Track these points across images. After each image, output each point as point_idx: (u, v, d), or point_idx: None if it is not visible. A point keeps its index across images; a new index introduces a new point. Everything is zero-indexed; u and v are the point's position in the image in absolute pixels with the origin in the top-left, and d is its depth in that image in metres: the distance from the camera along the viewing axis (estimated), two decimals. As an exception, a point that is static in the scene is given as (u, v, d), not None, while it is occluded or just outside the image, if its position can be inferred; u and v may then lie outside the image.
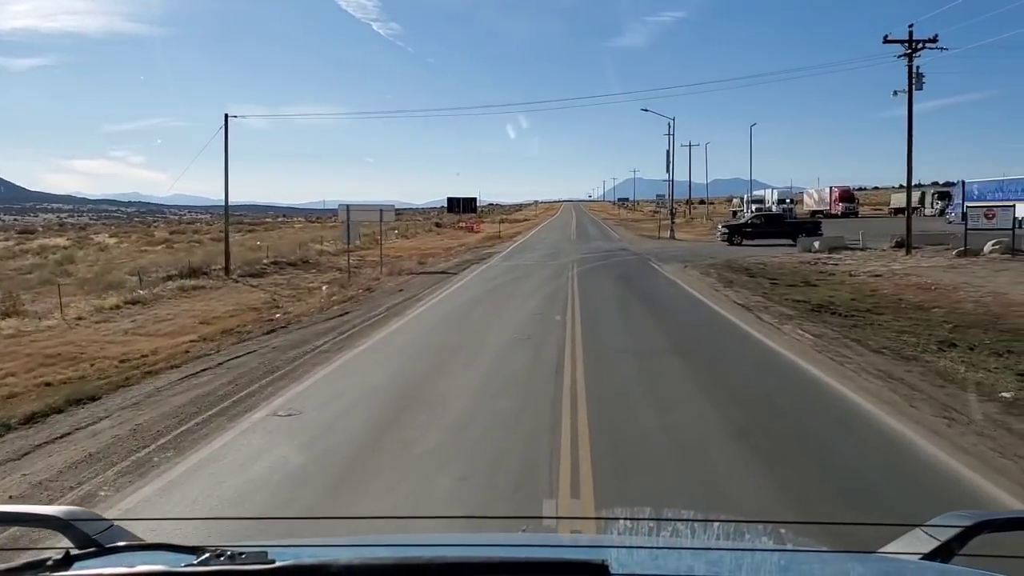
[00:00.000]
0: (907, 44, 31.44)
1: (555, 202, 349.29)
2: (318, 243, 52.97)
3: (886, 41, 31.72)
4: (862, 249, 35.10)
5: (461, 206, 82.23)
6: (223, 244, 67.22)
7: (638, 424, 8.04)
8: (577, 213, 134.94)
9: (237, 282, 34.64)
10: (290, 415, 8.90)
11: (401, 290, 23.38)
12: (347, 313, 18.53)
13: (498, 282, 24.78)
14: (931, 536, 1.72)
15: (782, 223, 43.89)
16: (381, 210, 31.39)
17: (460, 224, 79.87)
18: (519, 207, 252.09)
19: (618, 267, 29.81)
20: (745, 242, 42.16)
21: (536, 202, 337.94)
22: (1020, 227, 29.47)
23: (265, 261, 41.01)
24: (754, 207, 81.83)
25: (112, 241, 72.73)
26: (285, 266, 40.60)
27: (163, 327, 20.90)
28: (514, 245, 48.97)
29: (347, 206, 31.32)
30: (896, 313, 17.64)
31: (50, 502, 6.29)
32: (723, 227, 45.28)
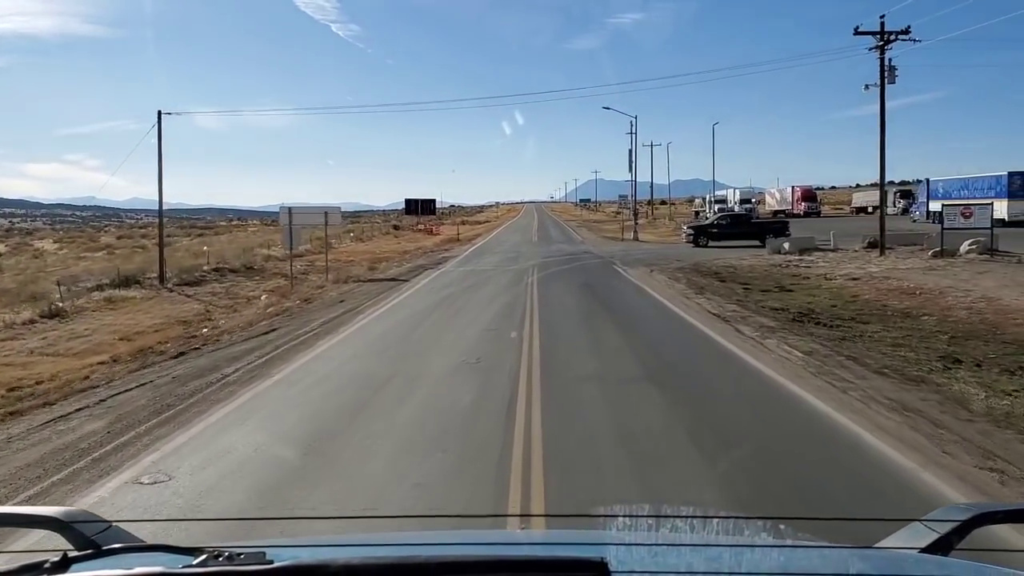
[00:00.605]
0: (879, 36, 30.15)
1: (517, 203, 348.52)
2: (266, 248, 50.28)
3: (857, 32, 30.40)
4: (833, 250, 33.79)
5: (419, 208, 79.82)
6: (164, 250, 64.09)
7: (611, 497, 6.07)
8: (539, 215, 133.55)
9: (172, 291, 32.23)
10: (155, 482, 6.79)
11: (343, 300, 21.19)
12: (274, 330, 16.33)
13: (451, 291, 22.73)
14: (930, 529, 1.69)
15: (749, 223, 42.51)
16: (326, 212, 29.07)
17: (419, 226, 77.60)
18: (481, 209, 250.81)
19: (581, 272, 27.97)
20: (711, 243, 40.72)
21: (497, 203, 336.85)
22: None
23: (205, 268, 38.42)
24: (717, 207, 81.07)
25: (53, 247, 69.19)
26: (227, 273, 38.10)
27: (76, 345, 18.58)
28: (472, 248, 46.92)
29: (289, 208, 29.00)
30: (884, 322, 16.08)
31: None
32: (688, 228, 43.73)
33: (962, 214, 28.68)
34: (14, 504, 5.86)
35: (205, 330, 20.22)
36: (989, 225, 28.16)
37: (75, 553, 1.51)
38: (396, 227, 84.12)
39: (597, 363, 11.51)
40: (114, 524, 1.77)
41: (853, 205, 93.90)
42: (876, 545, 1.80)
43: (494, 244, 50.82)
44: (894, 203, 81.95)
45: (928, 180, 59.96)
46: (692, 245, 41.01)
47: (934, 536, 1.66)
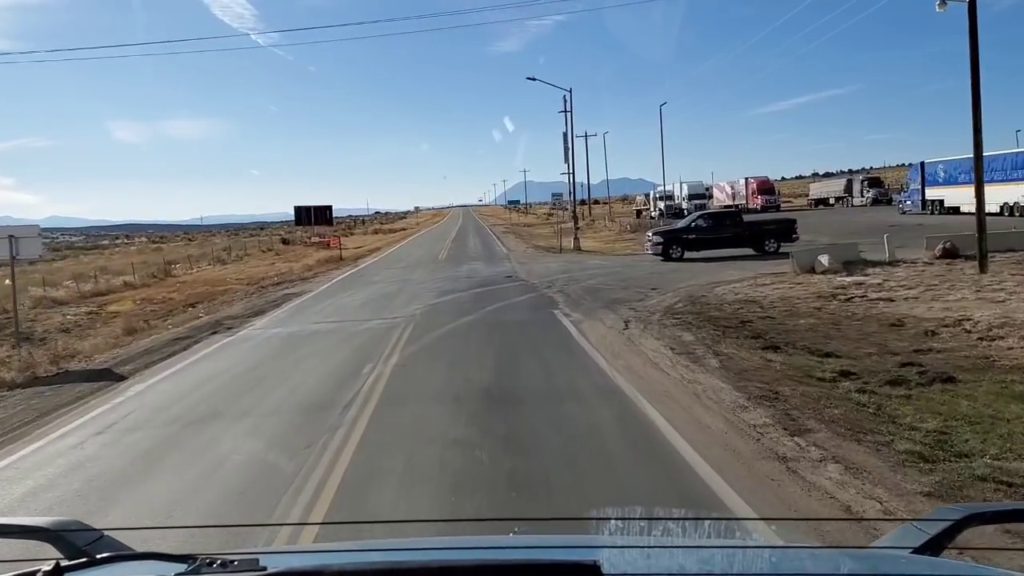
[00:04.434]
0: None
1: (444, 208, 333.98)
2: (76, 280, 35.52)
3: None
4: (890, 263, 21.72)
5: (312, 217, 65.68)
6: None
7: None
8: (464, 220, 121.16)
9: None
10: None
11: None
12: None
13: (167, 433, 9.38)
14: (921, 530, 1.66)
15: (737, 224, 29.98)
16: (11, 237, 15.42)
17: (312, 239, 63.49)
18: (403, 215, 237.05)
19: (495, 331, 15.02)
20: (687, 254, 28.51)
21: (417, 208, 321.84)
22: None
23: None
24: (662, 205, 69.71)
25: None
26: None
27: None
28: (350, 272, 33.42)
29: (-55, 232, 15.28)
30: None
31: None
32: (655, 235, 30.68)
33: None
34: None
35: None
36: None
37: (67, 562, 1.46)
38: (285, 241, 69.86)
39: None
40: (106, 533, 1.70)
41: (811, 196, 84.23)
42: (868, 546, 1.78)
43: (383, 265, 37.21)
44: (861, 193, 72.22)
45: (923, 163, 49.38)
46: (661, 258, 28.59)
47: (925, 537, 1.61)
